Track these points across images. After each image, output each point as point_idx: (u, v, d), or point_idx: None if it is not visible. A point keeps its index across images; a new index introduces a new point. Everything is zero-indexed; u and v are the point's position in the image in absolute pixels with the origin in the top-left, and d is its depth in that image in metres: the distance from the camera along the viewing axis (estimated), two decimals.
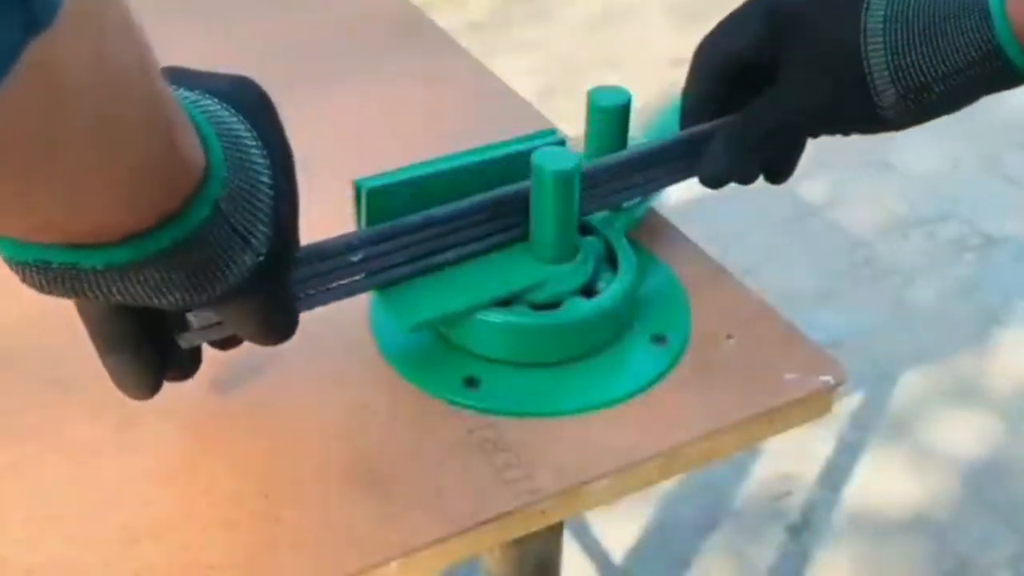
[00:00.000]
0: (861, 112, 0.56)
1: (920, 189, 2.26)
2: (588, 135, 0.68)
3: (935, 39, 0.49)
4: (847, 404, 1.72)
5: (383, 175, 0.60)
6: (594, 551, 1.48)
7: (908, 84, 0.52)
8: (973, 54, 0.49)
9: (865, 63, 0.53)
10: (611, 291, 0.61)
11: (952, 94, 0.52)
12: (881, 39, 0.51)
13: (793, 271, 2.03)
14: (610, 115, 0.66)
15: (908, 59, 0.51)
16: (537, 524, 0.53)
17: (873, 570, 1.48)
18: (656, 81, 2.75)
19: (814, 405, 0.60)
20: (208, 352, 0.61)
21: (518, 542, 0.55)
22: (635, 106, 0.67)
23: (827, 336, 1.85)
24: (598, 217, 0.66)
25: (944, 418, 1.72)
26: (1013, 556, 1.49)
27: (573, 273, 0.61)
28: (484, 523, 0.52)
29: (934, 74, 0.50)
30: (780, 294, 1.98)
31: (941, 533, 1.53)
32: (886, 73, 0.52)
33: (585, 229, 0.65)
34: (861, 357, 1.82)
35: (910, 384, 1.78)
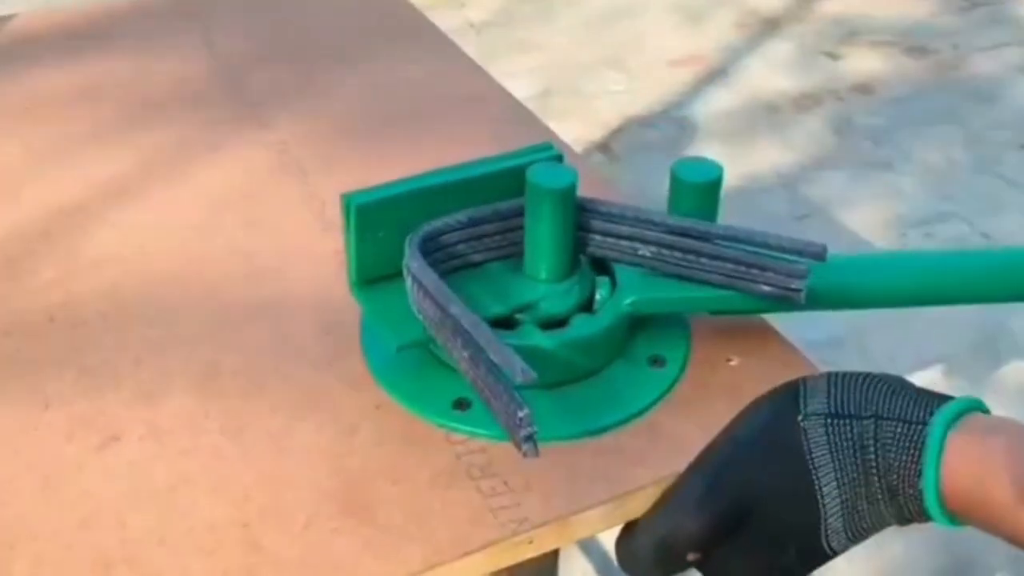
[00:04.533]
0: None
1: (920, 189, 2.25)
2: (670, 211, 0.60)
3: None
4: None
5: (373, 189, 0.58)
6: (594, 551, 1.46)
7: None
8: (906, 516, 0.50)
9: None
10: (604, 315, 0.59)
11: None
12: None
13: None
14: (696, 192, 0.59)
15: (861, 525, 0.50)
16: (525, 554, 0.52)
17: (873, 570, 1.46)
18: (656, 81, 2.75)
19: None
20: (190, 371, 0.60)
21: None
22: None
23: (827, 335, 1.83)
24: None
25: None
26: (1013, 556, 1.48)
27: (567, 293, 0.59)
28: (469, 553, 0.50)
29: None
30: None
31: (941, 533, 1.51)
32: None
33: (604, 268, 0.62)
34: (861, 357, 1.81)
35: None
